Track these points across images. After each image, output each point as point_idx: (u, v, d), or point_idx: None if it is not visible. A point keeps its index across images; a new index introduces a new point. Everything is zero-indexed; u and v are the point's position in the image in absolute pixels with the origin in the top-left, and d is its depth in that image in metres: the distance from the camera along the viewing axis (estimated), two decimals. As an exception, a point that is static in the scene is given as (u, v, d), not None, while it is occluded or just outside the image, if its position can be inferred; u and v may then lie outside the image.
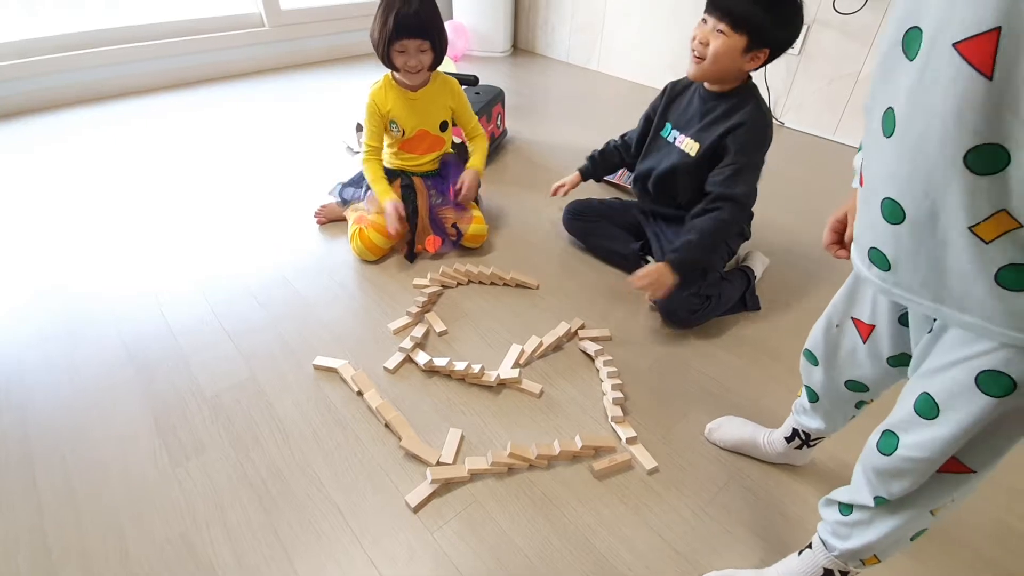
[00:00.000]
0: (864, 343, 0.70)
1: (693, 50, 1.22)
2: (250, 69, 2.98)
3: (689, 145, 1.32)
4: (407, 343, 1.24)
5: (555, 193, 1.59)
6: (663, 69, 2.81)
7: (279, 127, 2.40)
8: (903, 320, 0.64)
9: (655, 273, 1.20)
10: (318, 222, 1.72)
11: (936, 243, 0.49)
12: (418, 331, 1.28)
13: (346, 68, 3.12)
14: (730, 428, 1.06)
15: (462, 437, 1.05)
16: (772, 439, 1.00)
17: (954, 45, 0.42)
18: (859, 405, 0.81)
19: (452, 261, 1.54)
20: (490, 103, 2.07)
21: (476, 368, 1.16)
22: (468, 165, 1.60)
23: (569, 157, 2.16)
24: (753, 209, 1.35)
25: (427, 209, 1.58)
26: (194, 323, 1.31)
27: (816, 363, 0.79)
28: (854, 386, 0.76)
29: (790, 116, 2.50)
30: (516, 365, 1.20)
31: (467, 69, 3.16)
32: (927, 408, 0.57)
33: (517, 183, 1.99)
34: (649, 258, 1.47)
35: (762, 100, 1.26)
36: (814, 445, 0.96)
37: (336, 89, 2.82)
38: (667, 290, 1.21)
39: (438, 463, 0.99)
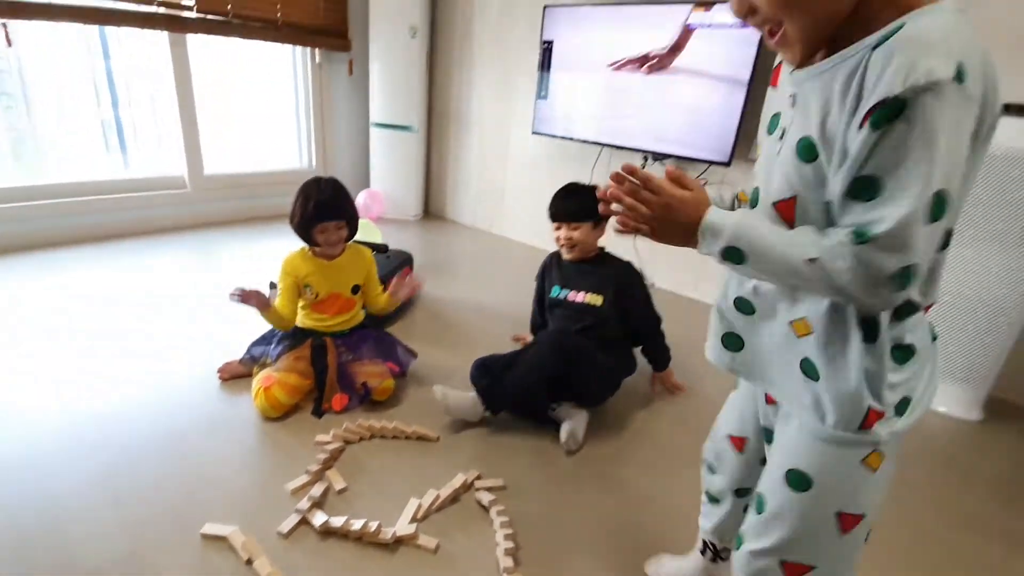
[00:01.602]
0: (740, 453, 0.85)
1: (563, 244, 1.67)
2: (170, 226, 3.09)
3: (592, 298, 1.68)
4: (304, 503, 1.25)
5: (516, 340, 2.04)
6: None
7: (193, 283, 2.45)
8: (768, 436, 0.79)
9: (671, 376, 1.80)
10: (221, 378, 1.73)
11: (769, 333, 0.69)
12: (317, 490, 1.30)
13: (260, 229, 3.31)
14: (672, 565, 1.12)
15: (355, 601, 1.05)
16: (690, 563, 1.06)
17: (773, 204, 0.64)
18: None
19: (356, 416, 1.60)
20: (399, 266, 2.29)
21: (373, 526, 1.19)
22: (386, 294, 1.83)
23: (473, 314, 2.38)
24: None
25: (335, 368, 1.67)
26: (77, 489, 1.25)
27: (713, 471, 0.92)
28: (740, 494, 0.87)
29: (657, 277, 2.94)
30: (413, 520, 1.24)
31: (381, 230, 3.46)
32: (758, 503, 0.72)
33: (424, 339, 2.14)
34: (554, 405, 1.61)
35: (616, 255, 1.77)
36: (727, 559, 0.98)
37: (250, 248, 2.96)
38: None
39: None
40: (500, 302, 2.51)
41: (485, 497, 1.32)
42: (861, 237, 0.53)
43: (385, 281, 2.14)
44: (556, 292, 1.76)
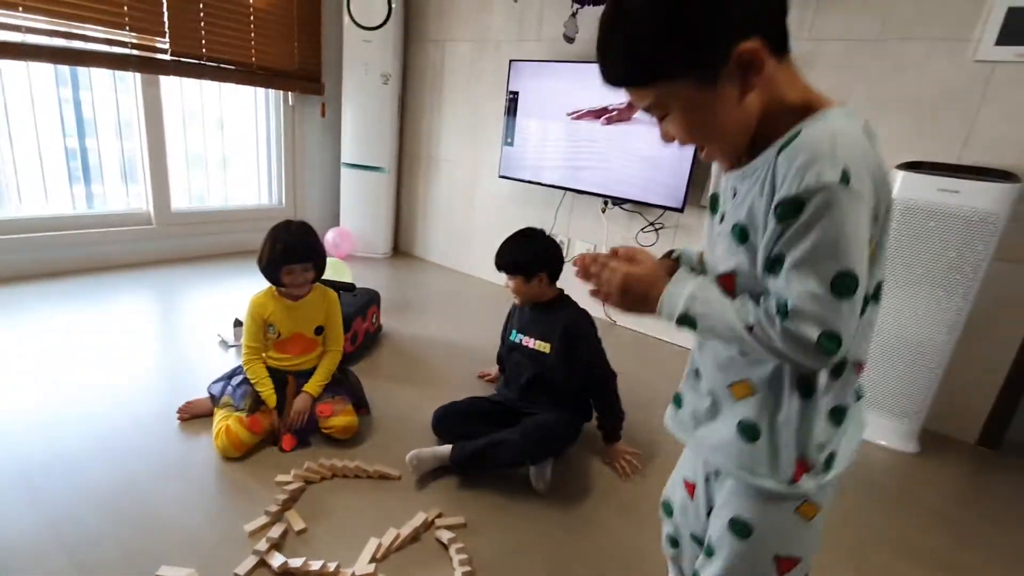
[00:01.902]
0: (692, 499, 0.89)
1: (514, 292, 1.76)
2: (134, 262, 3.05)
3: (540, 345, 1.72)
4: (263, 545, 1.24)
5: (481, 376, 2.12)
6: (521, 274, 3.35)
7: (155, 319, 2.43)
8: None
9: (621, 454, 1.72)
10: (180, 418, 1.72)
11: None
12: (276, 531, 1.30)
13: (226, 265, 3.30)
14: None
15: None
16: None
17: (716, 277, 0.71)
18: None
19: (318, 455, 1.61)
20: (366, 304, 2.33)
21: (332, 567, 1.20)
22: (304, 388, 1.70)
23: (439, 352, 2.42)
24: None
25: (291, 402, 1.68)
26: (26, 537, 1.22)
27: (670, 514, 0.95)
28: (696, 540, 0.90)
29: (620, 316, 3.05)
30: (373, 560, 1.25)
31: (351, 267, 3.49)
32: (707, 548, 0.77)
33: (390, 377, 2.16)
34: None
35: (571, 301, 1.77)
36: None
37: (215, 283, 2.96)
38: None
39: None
40: (465, 339, 2.56)
41: (445, 535, 1.34)
42: (782, 307, 0.61)
43: (352, 318, 2.18)
44: (513, 336, 1.81)
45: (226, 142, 3.61)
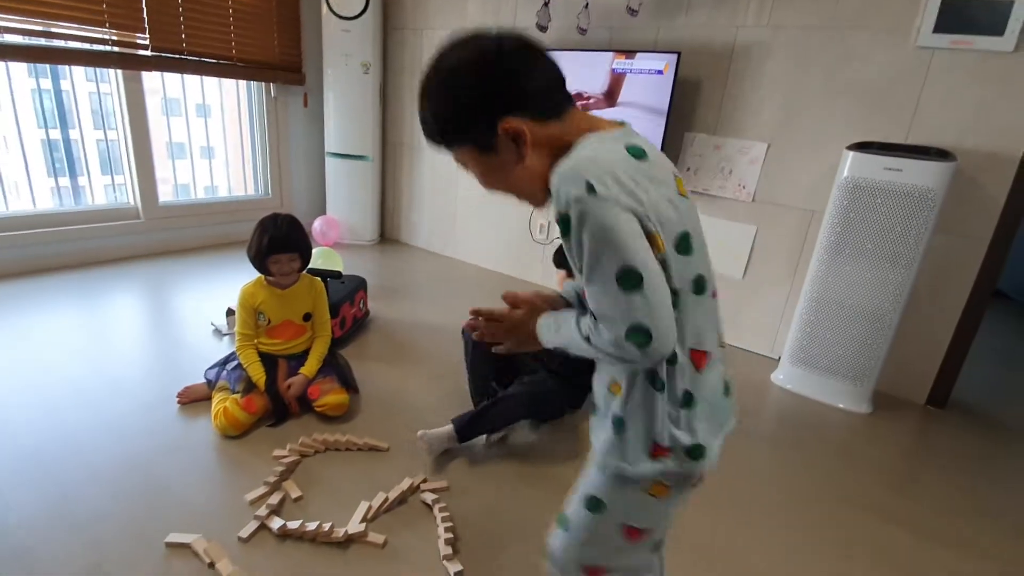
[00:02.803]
0: None
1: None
2: (124, 256, 3.13)
3: None
4: (263, 511, 1.37)
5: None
6: (501, 256, 3.47)
7: (149, 311, 2.53)
8: None
9: None
10: (180, 402, 1.83)
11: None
12: (274, 499, 1.42)
13: (215, 256, 3.38)
14: None
15: (310, 592, 1.19)
16: None
17: (579, 296, 0.82)
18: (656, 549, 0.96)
19: (311, 431, 1.73)
20: (353, 291, 2.43)
21: (326, 527, 1.33)
22: (301, 371, 1.82)
23: (425, 334, 2.54)
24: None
25: (284, 377, 1.82)
26: (38, 515, 1.34)
27: None
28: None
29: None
30: (364, 520, 1.38)
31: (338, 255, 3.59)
32: (562, 521, 0.87)
33: (378, 358, 2.28)
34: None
35: None
36: None
37: (206, 275, 3.04)
38: None
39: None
40: (450, 321, 2.68)
41: (429, 497, 1.47)
42: (592, 314, 0.71)
43: (340, 304, 2.29)
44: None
45: (210, 133, 3.67)
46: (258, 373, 1.77)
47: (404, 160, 3.90)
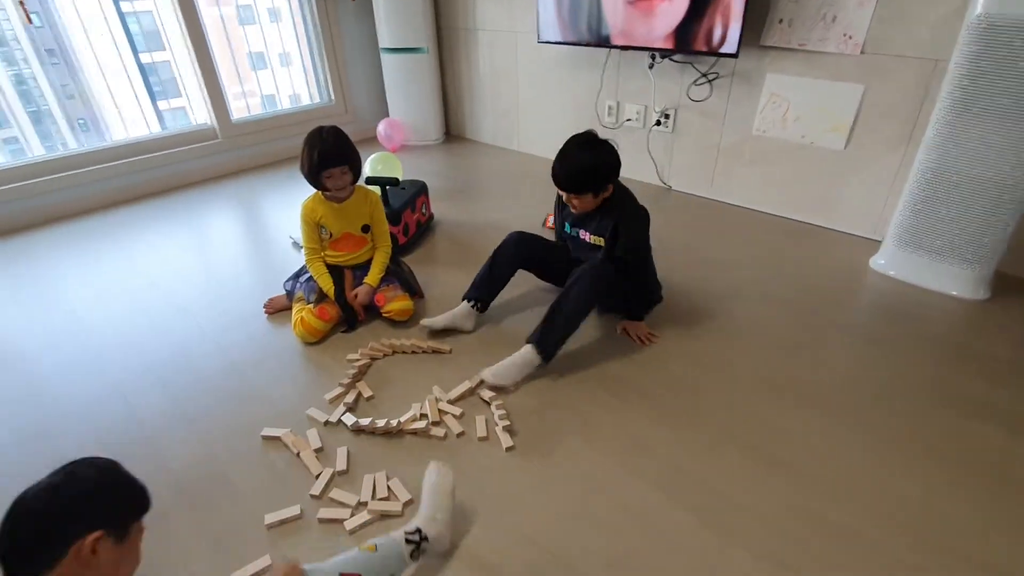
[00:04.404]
0: None
1: (570, 204, 1.69)
2: (208, 176, 3.33)
3: (596, 240, 1.75)
4: (340, 409, 1.51)
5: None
6: (571, 146, 3.26)
7: (233, 228, 2.71)
8: None
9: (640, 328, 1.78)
10: (267, 312, 2.00)
11: None
12: (349, 397, 1.56)
13: (292, 170, 3.48)
14: None
15: (385, 476, 1.32)
16: None
17: None
18: None
19: (380, 335, 1.83)
20: (414, 196, 2.43)
21: (394, 422, 1.44)
22: (365, 280, 1.89)
23: (490, 235, 2.51)
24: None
25: (351, 285, 1.91)
26: (158, 413, 1.56)
27: None
28: None
29: (674, 180, 2.94)
30: (424, 416, 1.48)
31: (405, 158, 3.57)
32: None
33: (442, 261, 2.32)
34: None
35: (628, 195, 1.70)
36: None
37: (283, 189, 3.17)
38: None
39: (357, 505, 1.26)
40: (516, 220, 2.61)
41: (487, 394, 1.54)
42: None
43: (401, 212, 2.30)
44: (568, 229, 1.84)
45: (270, 42, 3.64)
46: (327, 284, 1.87)
47: (461, 48, 3.66)
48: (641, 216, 1.71)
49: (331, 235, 1.89)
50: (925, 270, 2.00)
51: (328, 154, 1.75)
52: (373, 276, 1.91)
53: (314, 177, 1.79)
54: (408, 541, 1.04)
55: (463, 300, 1.83)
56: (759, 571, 1.10)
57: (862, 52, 2.13)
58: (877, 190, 2.28)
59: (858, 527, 1.18)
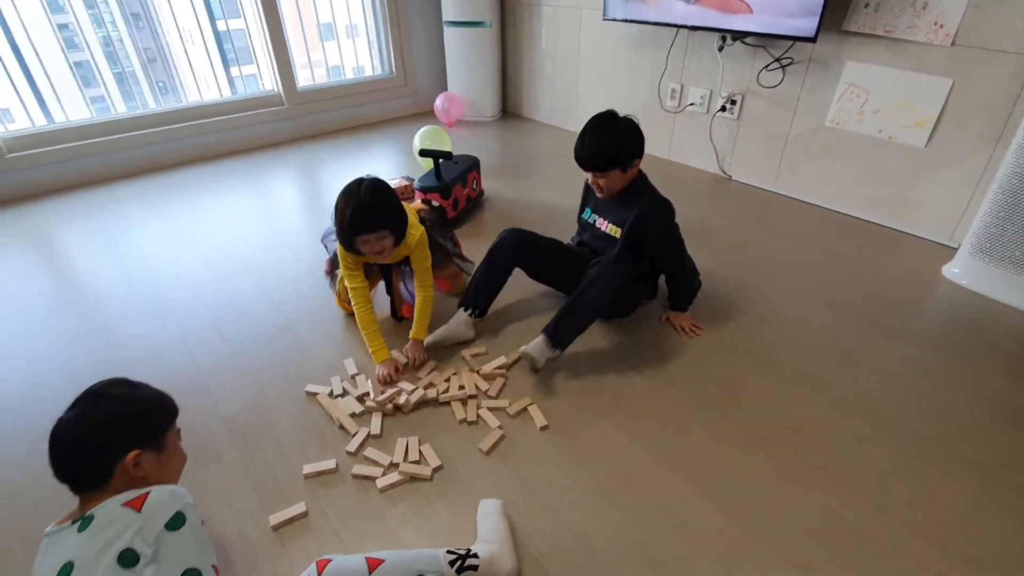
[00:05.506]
0: None
1: (596, 187, 1.65)
2: (272, 141, 3.46)
3: (612, 230, 1.71)
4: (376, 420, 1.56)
5: None
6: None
7: (293, 192, 2.82)
8: None
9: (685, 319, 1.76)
10: (327, 272, 2.05)
11: None
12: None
13: (356, 137, 3.58)
14: None
15: (417, 441, 1.36)
16: None
17: None
18: None
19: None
20: (466, 171, 2.44)
21: (432, 393, 1.48)
22: (411, 335, 1.65)
23: (539, 214, 2.51)
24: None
25: (399, 283, 1.83)
26: (217, 362, 1.67)
27: None
28: None
29: (735, 170, 2.82)
30: (461, 388, 1.52)
31: (459, 133, 3.60)
32: None
33: (488, 237, 2.29)
34: None
35: (651, 187, 1.67)
36: None
37: (348, 156, 3.26)
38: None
39: (390, 465, 1.31)
40: (566, 201, 2.60)
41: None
42: None
43: (452, 186, 2.32)
44: (587, 215, 1.81)
45: (333, 15, 3.71)
46: (377, 346, 1.60)
47: (524, 23, 3.62)
48: (665, 207, 1.63)
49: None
50: (1003, 282, 1.85)
51: (363, 218, 1.43)
52: (419, 330, 1.66)
53: (348, 241, 1.49)
54: (450, 551, 1.02)
55: (460, 308, 1.73)
56: (778, 570, 1.08)
57: (953, 43, 1.96)
58: (958, 193, 2.12)
59: (891, 540, 1.14)
